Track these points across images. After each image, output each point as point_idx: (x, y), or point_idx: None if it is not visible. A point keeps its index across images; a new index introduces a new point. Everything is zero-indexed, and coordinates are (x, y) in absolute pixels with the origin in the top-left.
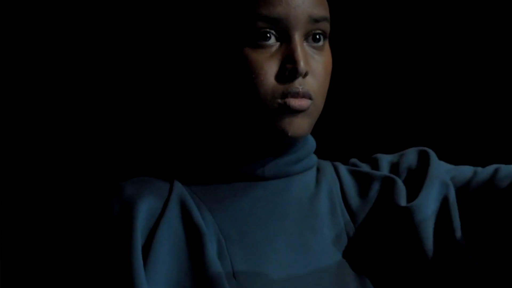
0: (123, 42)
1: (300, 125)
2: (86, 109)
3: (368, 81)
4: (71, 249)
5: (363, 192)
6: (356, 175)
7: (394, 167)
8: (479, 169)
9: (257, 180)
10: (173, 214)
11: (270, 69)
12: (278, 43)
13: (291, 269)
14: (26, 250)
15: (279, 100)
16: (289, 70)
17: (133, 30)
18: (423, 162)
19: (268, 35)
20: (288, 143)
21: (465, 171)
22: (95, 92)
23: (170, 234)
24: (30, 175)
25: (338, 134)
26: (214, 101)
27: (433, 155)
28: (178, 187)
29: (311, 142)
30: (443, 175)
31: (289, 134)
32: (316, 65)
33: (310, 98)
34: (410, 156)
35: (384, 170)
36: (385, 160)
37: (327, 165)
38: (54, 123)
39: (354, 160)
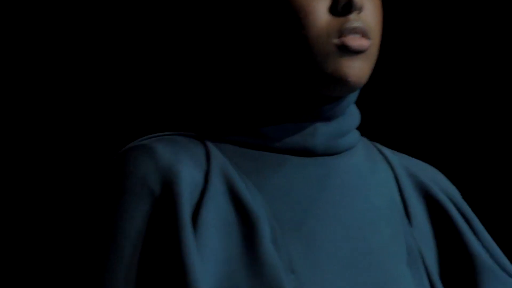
0: None
1: (361, 69)
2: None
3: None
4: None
5: (424, 201)
6: (414, 178)
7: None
8: None
9: (307, 155)
10: (217, 190)
11: (319, 5)
12: None
13: (352, 269)
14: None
15: (335, 40)
16: (342, 4)
17: None
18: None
19: None
20: (345, 93)
21: None
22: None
23: (218, 216)
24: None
25: None
26: (255, 52)
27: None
28: (216, 154)
29: (357, 112)
30: None
31: (350, 80)
32: (368, 0)
33: (369, 38)
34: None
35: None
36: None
37: (371, 147)
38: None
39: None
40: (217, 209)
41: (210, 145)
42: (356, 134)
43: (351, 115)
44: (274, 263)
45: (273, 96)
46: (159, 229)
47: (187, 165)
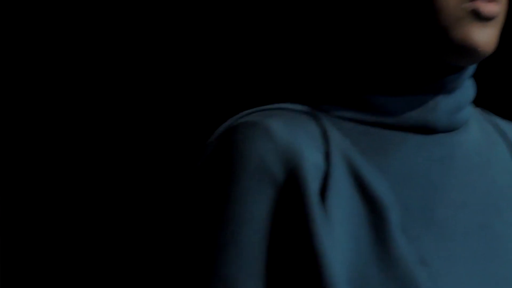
0: None
1: (491, 37)
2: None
3: None
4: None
5: None
6: None
7: None
8: None
9: (426, 132)
10: (341, 174)
11: None
12: None
13: (481, 259)
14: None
15: (467, 5)
16: None
17: None
18: None
19: None
20: (472, 63)
21: None
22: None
23: (343, 203)
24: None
25: None
26: (372, 15)
27: None
28: (333, 132)
29: (473, 83)
30: None
31: (479, 48)
32: None
33: (499, 3)
34: None
35: None
36: None
37: (481, 118)
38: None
39: None
40: (342, 195)
41: (324, 120)
42: (469, 108)
43: (468, 87)
44: (406, 255)
45: (390, 65)
46: (286, 218)
47: (307, 145)
